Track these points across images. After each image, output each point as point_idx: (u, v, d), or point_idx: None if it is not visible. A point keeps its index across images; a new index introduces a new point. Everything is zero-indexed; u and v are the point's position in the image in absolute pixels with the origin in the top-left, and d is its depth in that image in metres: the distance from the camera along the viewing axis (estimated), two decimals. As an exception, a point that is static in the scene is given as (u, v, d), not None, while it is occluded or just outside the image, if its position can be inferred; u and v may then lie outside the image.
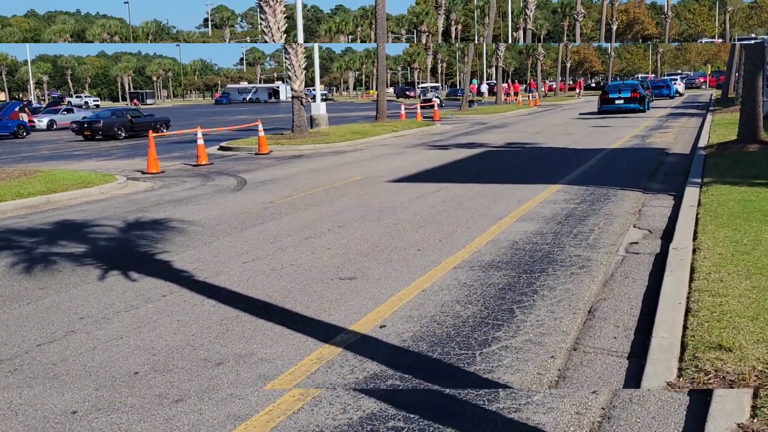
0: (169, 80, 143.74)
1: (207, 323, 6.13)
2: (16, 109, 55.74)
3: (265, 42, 27.32)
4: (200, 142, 20.88)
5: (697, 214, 9.19)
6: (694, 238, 7.89)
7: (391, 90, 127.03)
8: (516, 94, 65.93)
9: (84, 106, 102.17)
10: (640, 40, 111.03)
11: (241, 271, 7.85)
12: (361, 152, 22.55)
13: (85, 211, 12.53)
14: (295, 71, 26.47)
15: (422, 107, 49.80)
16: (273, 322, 6.10)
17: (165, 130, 38.39)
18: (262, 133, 23.54)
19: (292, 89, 26.78)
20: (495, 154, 20.25)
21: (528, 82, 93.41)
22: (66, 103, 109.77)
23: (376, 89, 35.32)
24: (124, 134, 35.25)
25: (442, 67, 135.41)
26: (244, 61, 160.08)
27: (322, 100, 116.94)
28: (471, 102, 54.68)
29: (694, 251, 7.32)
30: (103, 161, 23.20)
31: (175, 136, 31.11)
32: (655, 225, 9.41)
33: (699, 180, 12.25)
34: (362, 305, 6.47)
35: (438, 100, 65.05)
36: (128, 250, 9.21)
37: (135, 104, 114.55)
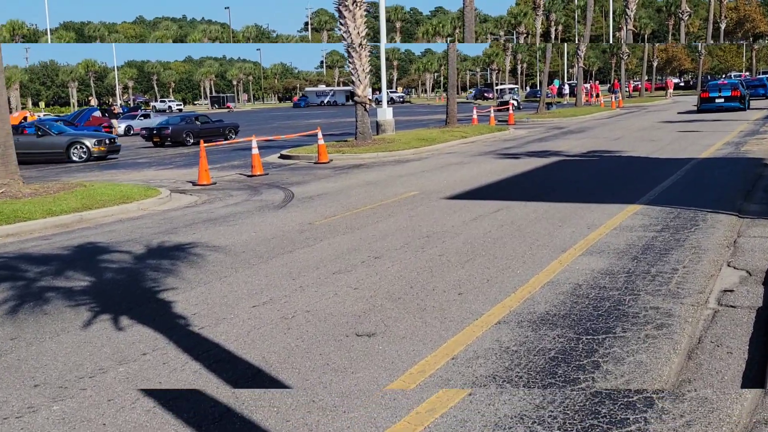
0: (250, 84, 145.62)
1: (175, 404, 4.93)
2: (93, 114, 56.95)
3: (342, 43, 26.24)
4: (254, 151, 19.96)
5: (809, 251, 7.48)
6: (807, 289, 6.23)
7: (469, 92, 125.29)
8: (597, 95, 63.09)
9: (168, 111, 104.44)
10: (751, 39, 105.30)
11: (245, 320, 6.63)
12: (424, 161, 21.19)
13: (114, 232, 11.63)
14: (358, 75, 25.32)
15: (498, 110, 48.07)
16: (252, 404, 4.83)
17: (234, 137, 37.89)
18: (321, 141, 22.48)
19: (355, 94, 25.65)
20: (568, 165, 18.54)
21: (611, 82, 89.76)
22: (150, 107, 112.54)
23: (445, 92, 33.81)
24: (192, 140, 34.81)
25: (522, 67, 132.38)
26: (324, 64, 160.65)
27: (400, 102, 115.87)
28: (549, 104, 52.51)
29: (808, 310, 5.69)
30: (162, 170, 22.61)
31: (243, 143, 30.18)
32: (754, 264, 7.71)
33: (807, 202, 10.39)
34: (373, 378, 5.14)
35: (515, 103, 63.03)
36: (134, 285, 8.15)
37: (228, 107, 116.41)
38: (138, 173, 22.04)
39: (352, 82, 25.73)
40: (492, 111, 36.94)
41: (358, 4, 24.16)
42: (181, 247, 10.03)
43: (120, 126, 50.35)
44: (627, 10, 58.79)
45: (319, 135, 22.66)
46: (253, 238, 10.49)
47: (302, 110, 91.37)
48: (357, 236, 10.27)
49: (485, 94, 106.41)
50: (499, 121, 40.62)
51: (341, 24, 25.19)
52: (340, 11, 24.53)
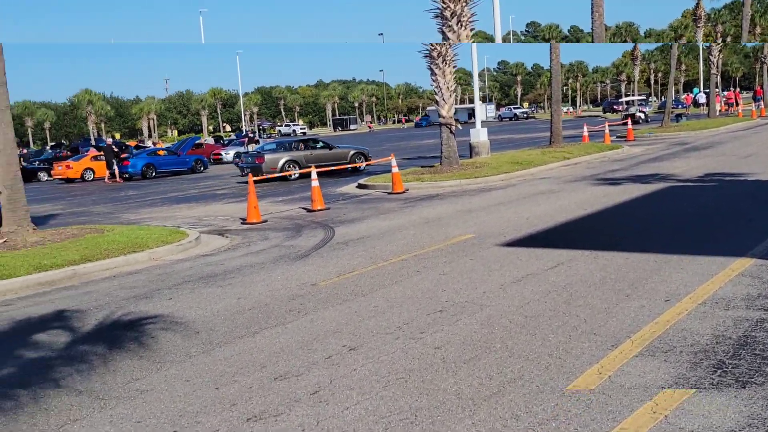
0: (373, 105, 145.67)
1: None
2: (207, 143, 57.43)
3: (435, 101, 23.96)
4: (314, 184, 17.93)
5: None
6: None
7: (589, 105, 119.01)
8: (737, 103, 57.21)
9: (292, 134, 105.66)
10: None
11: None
12: (509, 190, 18.42)
13: (89, 294, 9.79)
14: (441, 93, 22.88)
15: (621, 124, 44.15)
16: None
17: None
18: (395, 170, 20.18)
19: (439, 115, 23.19)
20: (674, 194, 15.27)
21: (754, 89, 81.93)
22: (275, 131, 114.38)
23: (550, 108, 30.62)
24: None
25: (657, 76, 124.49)
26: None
27: (524, 118, 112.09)
28: (678, 116, 47.72)
29: None
30: (232, 203, 21.08)
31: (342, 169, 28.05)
32: None
33: None
34: None
35: (642, 115, 58.40)
36: (13, 388, 6.14)
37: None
38: (200, 208, 20.61)
39: (436, 102, 23.31)
40: (606, 127, 33.29)
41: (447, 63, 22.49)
42: (138, 324, 8.00)
43: (229, 153, 50.21)
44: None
45: (393, 162, 20.38)
46: (231, 308, 8.32)
47: (423, 130, 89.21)
48: (354, 308, 7.88)
49: (614, 107, 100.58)
50: (618, 136, 36.89)
51: (433, 80, 23.22)
52: (431, 69, 22.74)
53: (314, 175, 18.03)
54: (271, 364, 6.24)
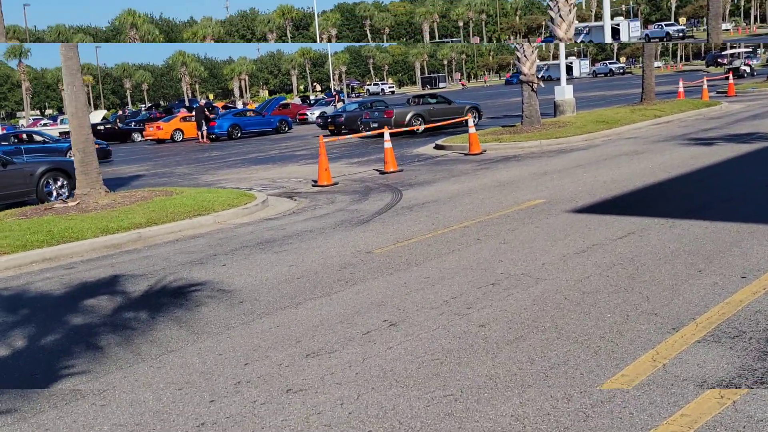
0: (463, 62, 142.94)
1: None
2: (293, 103, 57.79)
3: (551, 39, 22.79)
4: (387, 145, 17.54)
5: None
6: None
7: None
8: None
9: (381, 93, 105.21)
10: None
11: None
12: (591, 151, 17.52)
13: (148, 258, 9.81)
14: (523, 50, 21.94)
15: (725, 78, 41.61)
16: None
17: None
18: (472, 130, 19.54)
19: (521, 72, 22.27)
20: (773, 155, 14.11)
21: None
22: (364, 91, 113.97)
23: (642, 64, 28.90)
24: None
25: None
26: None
27: (620, 73, 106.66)
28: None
29: None
30: (306, 165, 21.05)
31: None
32: None
33: None
34: None
35: (748, 69, 55.02)
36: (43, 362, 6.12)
37: (463, 84, 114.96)
38: (276, 169, 20.64)
39: (518, 59, 22.37)
40: (705, 82, 31.34)
41: None
42: (186, 291, 7.91)
43: (314, 113, 50.31)
44: None
45: (470, 123, 19.73)
46: (281, 276, 8.12)
47: (513, 87, 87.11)
48: (404, 278, 7.52)
49: (718, 60, 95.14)
50: (717, 92, 34.75)
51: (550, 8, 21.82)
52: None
53: (387, 137, 17.63)
54: (307, 338, 5.97)
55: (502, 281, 7.07)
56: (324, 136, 29.62)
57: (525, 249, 8.27)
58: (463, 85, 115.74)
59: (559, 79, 26.78)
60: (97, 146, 17.43)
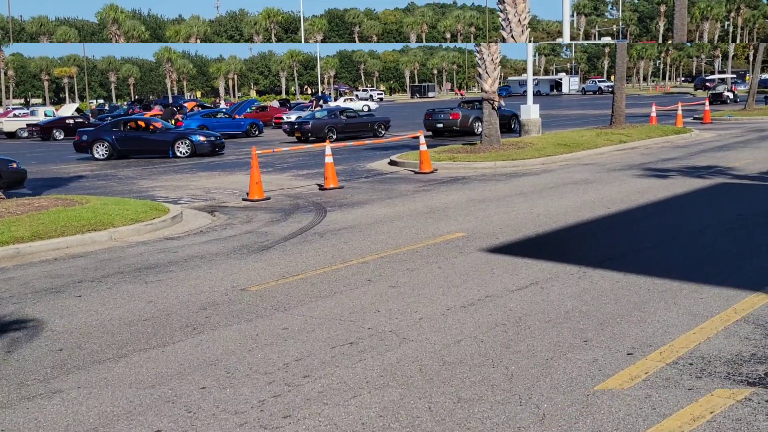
0: (454, 72, 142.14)
1: None
2: (272, 106, 56.73)
3: (503, 40, 21.98)
4: (328, 160, 16.57)
5: None
6: None
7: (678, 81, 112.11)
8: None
9: (369, 99, 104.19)
10: None
11: None
12: (542, 176, 16.61)
13: (5, 282, 8.79)
14: (485, 66, 21.05)
15: (711, 102, 40.99)
16: None
17: (384, 133, 34.81)
18: (423, 148, 18.60)
19: (482, 89, 21.38)
20: (721, 194, 13.22)
21: None
22: (352, 94, 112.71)
23: (614, 86, 27.98)
24: (335, 136, 32.13)
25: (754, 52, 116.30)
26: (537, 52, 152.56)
27: (609, 92, 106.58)
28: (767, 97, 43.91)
29: None
30: (243, 175, 19.87)
31: (390, 142, 25.77)
32: None
33: None
34: None
35: (731, 94, 54.55)
36: None
37: (460, 93, 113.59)
38: (220, 177, 19.62)
39: (479, 76, 21.48)
40: (679, 108, 30.56)
41: None
42: (9, 328, 6.90)
43: (290, 118, 49.24)
44: None
45: (421, 140, 18.78)
46: (126, 317, 7.11)
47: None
48: (259, 328, 6.53)
49: (707, 84, 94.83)
50: (694, 118, 34.04)
51: (500, 10, 21.37)
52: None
53: (328, 151, 16.66)
54: (75, 425, 4.93)
55: (364, 339, 6.10)
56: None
57: (411, 297, 7.30)
58: (461, 94, 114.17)
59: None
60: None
